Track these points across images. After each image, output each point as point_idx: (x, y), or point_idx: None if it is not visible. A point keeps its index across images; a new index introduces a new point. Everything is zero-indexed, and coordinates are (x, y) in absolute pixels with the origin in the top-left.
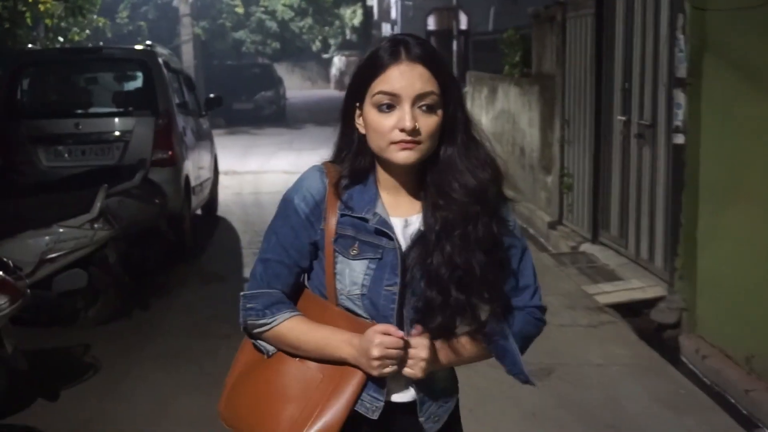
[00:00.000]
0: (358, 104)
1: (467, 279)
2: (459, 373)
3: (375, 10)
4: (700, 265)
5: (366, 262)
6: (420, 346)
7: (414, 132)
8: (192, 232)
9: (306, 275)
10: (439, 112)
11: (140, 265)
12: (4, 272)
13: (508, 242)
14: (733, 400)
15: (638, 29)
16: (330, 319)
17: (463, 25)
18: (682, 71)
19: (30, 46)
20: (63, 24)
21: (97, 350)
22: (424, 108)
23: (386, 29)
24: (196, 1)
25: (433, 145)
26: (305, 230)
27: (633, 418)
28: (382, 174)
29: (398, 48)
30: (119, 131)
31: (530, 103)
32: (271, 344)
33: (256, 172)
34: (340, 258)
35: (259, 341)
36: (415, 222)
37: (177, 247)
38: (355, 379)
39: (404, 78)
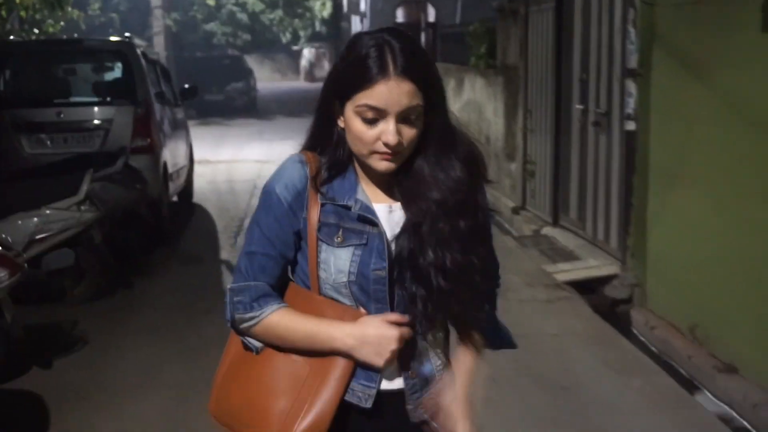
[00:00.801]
0: (338, 102)
1: (446, 272)
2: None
3: (344, 3)
4: (650, 244)
5: (351, 248)
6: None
7: (397, 145)
8: (170, 217)
9: (290, 267)
10: (421, 119)
11: (122, 247)
12: (2, 249)
13: (486, 234)
14: (677, 366)
15: (595, 22)
16: (316, 309)
17: (431, 18)
18: (632, 62)
19: (12, 38)
20: (38, 16)
21: (84, 325)
22: (406, 120)
23: (355, 22)
24: None
25: (412, 150)
26: (288, 220)
27: (583, 380)
28: (360, 165)
29: (386, 59)
30: (100, 120)
31: (495, 94)
32: (260, 339)
33: (228, 162)
34: (324, 247)
35: (247, 338)
36: (398, 209)
37: (156, 230)
38: (342, 369)
39: (392, 95)
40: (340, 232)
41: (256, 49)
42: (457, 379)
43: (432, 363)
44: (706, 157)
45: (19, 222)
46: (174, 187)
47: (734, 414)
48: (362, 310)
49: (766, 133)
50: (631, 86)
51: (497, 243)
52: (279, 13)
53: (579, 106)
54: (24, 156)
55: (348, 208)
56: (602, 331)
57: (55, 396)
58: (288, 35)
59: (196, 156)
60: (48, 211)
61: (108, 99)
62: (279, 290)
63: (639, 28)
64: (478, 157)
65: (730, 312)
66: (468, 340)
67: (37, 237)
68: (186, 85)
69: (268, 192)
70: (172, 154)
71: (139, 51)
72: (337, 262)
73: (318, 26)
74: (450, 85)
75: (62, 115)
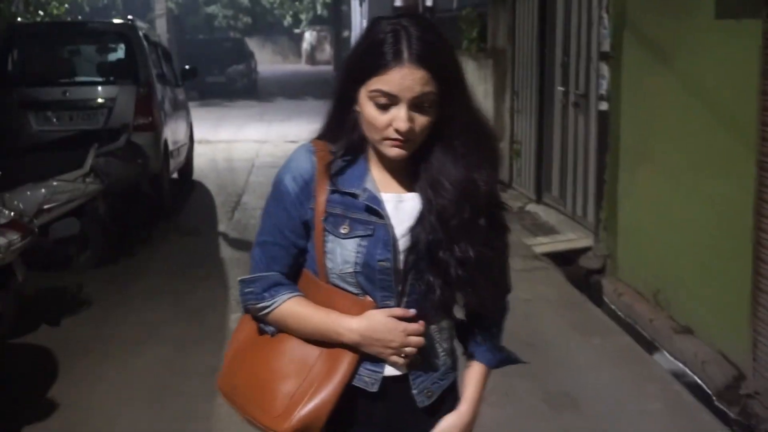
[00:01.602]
0: (354, 86)
1: (465, 263)
2: None
3: None
4: (620, 218)
5: (357, 239)
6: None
7: (408, 132)
8: (170, 192)
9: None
10: (436, 108)
11: (125, 219)
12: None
13: (503, 230)
14: (640, 329)
15: (575, 8)
16: (326, 297)
17: (429, 2)
18: (605, 46)
19: (19, 19)
20: None
21: (89, 289)
22: (419, 107)
23: (355, 6)
24: None
25: (424, 137)
26: (297, 210)
27: (549, 339)
28: (372, 151)
29: (401, 46)
30: (103, 98)
31: (485, 77)
32: (275, 326)
33: (228, 141)
34: (330, 237)
35: (261, 324)
36: (409, 199)
37: (157, 203)
38: (350, 356)
39: (405, 81)
40: (347, 223)
41: (258, 32)
42: (467, 391)
43: (437, 350)
44: (667, 135)
45: (29, 192)
46: (174, 163)
47: (687, 371)
48: (368, 298)
49: (716, 114)
50: (604, 69)
51: None
52: None
53: (561, 88)
54: (31, 132)
55: (355, 196)
56: (572, 297)
57: (63, 349)
58: (289, 18)
59: (197, 136)
60: (55, 183)
61: (111, 79)
62: (293, 278)
63: (611, 14)
64: (499, 155)
65: (688, 278)
66: (479, 332)
67: (45, 207)
68: (186, 66)
69: (277, 182)
70: (173, 132)
71: (141, 33)
72: (343, 252)
73: (320, 9)
74: None
75: (68, 94)
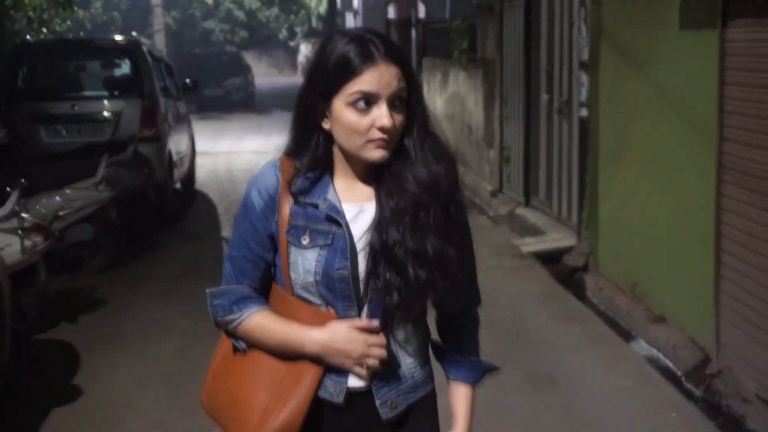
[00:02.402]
0: (323, 102)
1: (422, 260)
2: None
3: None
4: (601, 217)
5: (317, 249)
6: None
7: (392, 129)
8: (174, 200)
9: (273, 269)
10: (404, 105)
11: (132, 226)
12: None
13: (462, 228)
14: (619, 320)
15: (558, 19)
16: (291, 310)
17: (422, 14)
18: (584, 55)
19: (28, 37)
20: (45, 16)
21: (102, 290)
22: (396, 104)
23: (349, 18)
24: None
25: (398, 137)
26: (262, 223)
27: (531, 327)
28: (338, 164)
29: (369, 48)
30: (110, 112)
31: (475, 86)
32: (244, 340)
33: (228, 153)
34: (293, 249)
35: (234, 339)
36: (370, 209)
37: (162, 211)
38: (315, 368)
39: (383, 78)
40: (308, 233)
41: (254, 46)
42: (457, 414)
43: (400, 361)
44: (641, 138)
45: (45, 200)
46: (178, 173)
47: (660, 356)
48: (330, 309)
49: (683, 117)
50: (583, 77)
51: (474, 223)
52: (275, 10)
53: (545, 95)
54: (42, 145)
55: (316, 206)
56: (555, 291)
57: (83, 343)
58: (284, 32)
59: (197, 148)
60: (69, 191)
61: (117, 93)
62: (264, 291)
63: (589, 24)
64: (453, 155)
65: (661, 270)
66: (452, 335)
67: (60, 213)
68: (187, 80)
69: (245, 197)
70: (176, 143)
71: (145, 49)
72: (305, 262)
73: (314, 22)
74: (437, 79)
75: (76, 108)
